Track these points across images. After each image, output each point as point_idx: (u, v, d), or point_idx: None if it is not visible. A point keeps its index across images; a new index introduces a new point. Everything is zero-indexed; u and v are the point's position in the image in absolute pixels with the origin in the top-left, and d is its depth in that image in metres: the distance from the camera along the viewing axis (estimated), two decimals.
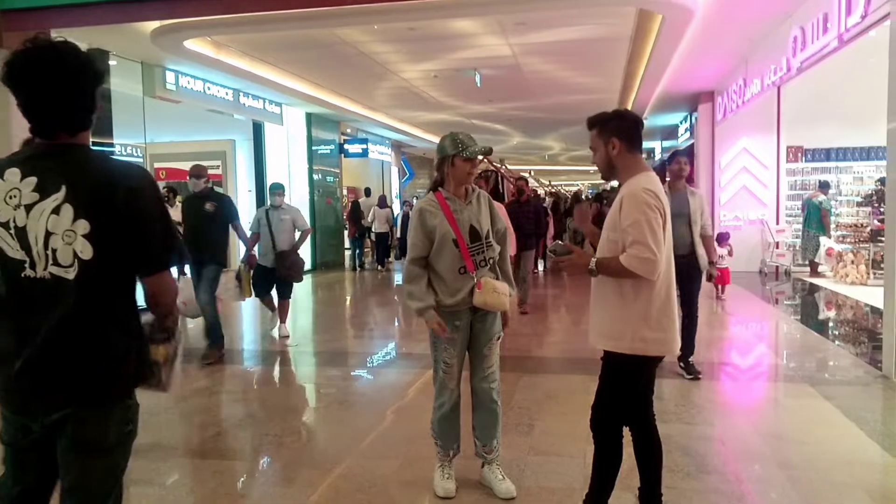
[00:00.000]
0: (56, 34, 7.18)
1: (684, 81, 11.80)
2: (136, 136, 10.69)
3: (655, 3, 7.45)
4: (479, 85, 11.22)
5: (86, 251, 1.73)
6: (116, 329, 1.82)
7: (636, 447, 2.96)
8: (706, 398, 5.04)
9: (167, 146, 14.92)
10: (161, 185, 13.01)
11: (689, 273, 5.28)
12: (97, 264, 1.74)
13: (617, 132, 2.77)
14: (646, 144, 24.23)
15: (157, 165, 15.18)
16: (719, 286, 9.28)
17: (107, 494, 1.86)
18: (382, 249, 15.60)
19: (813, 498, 3.28)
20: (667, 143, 21.75)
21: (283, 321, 7.58)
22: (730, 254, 9.45)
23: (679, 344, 2.82)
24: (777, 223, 12.80)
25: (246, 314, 9.50)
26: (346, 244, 16.68)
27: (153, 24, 7.99)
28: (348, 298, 11.93)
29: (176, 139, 14.87)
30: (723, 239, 9.27)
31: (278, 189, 7.59)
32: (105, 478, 1.86)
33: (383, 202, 15.76)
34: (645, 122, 14.47)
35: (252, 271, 7.09)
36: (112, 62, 9.30)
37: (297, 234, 7.56)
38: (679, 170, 5.50)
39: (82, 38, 8.51)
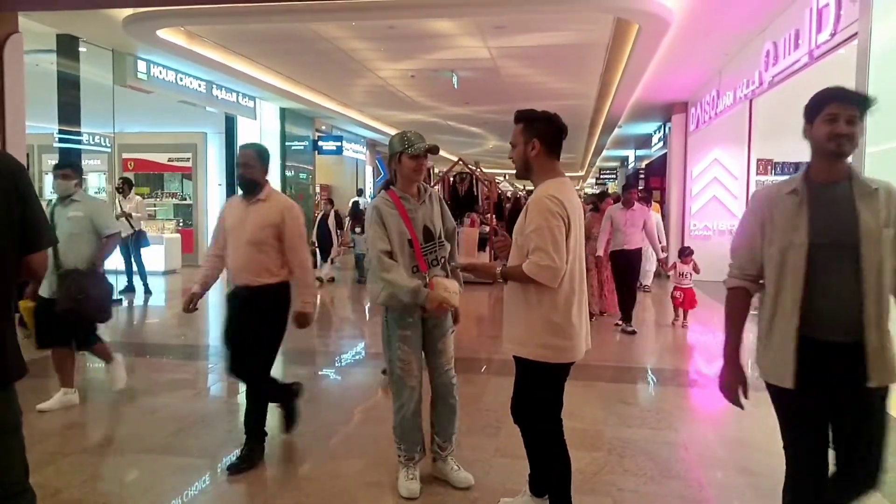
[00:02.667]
0: (25, 18, 7.05)
1: (659, 91, 11.94)
2: (105, 125, 10.47)
3: (632, 13, 7.52)
4: (456, 86, 11.23)
5: None
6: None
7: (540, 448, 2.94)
8: (671, 404, 5.09)
9: (136, 136, 14.65)
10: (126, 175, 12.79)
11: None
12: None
13: (540, 134, 2.76)
14: (620, 153, 24.55)
15: (124, 156, 14.91)
16: (681, 310, 7.99)
17: (26, 471, 2.02)
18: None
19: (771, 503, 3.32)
20: (640, 152, 22.00)
21: (108, 361, 5.09)
22: (695, 270, 7.91)
23: (583, 351, 2.80)
24: None
25: (213, 308, 9.35)
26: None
27: (126, 12, 7.84)
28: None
29: (146, 130, 14.62)
30: (685, 254, 8.05)
31: (63, 168, 4.91)
32: (22, 454, 2.01)
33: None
34: (619, 129, 14.60)
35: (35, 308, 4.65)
36: (82, 49, 9.11)
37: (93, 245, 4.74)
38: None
39: (53, 23, 8.33)
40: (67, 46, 8.96)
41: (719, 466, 3.85)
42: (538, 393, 2.80)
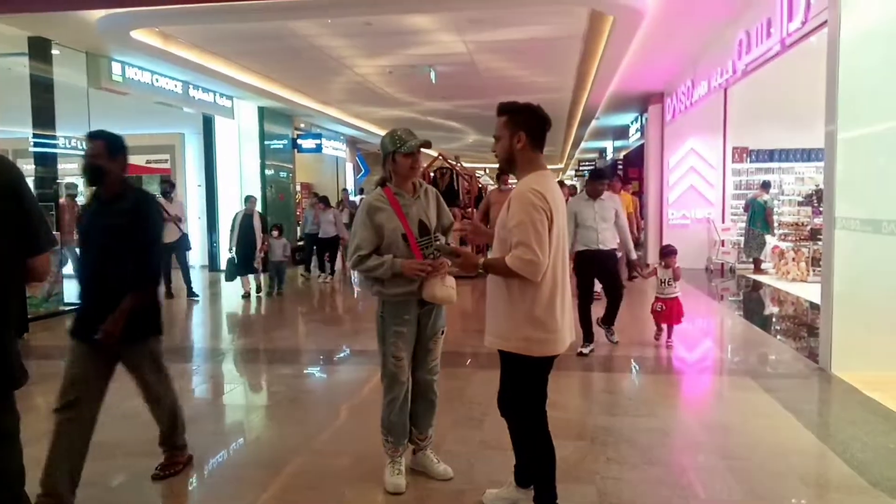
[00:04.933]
0: None
1: (635, 82, 12.04)
2: (81, 128, 10.34)
3: (606, 5, 7.58)
4: (434, 82, 11.23)
5: None
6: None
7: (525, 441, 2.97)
8: (652, 391, 5.17)
9: None
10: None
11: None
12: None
13: (525, 127, 2.76)
14: (598, 144, 24.69)
15: None
16: (664, 325, 6.52)
17: (22, 478, 2.11)
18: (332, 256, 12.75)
19: (751, 486, 3.39)
20: (618, 143, 22.15)
21: None
22: (675, 276, 6.41)
23: (567, 343, 2.83)
24: (723, 222, 13.18)
25: (196, 312, 9.32)
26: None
27: (99, 13, 7.76)
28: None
29: (123, 132, 14.40)
30: (666, 254, 6.54)
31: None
32: (20, 461, 2.09)
33: (327, 202, 13.02)
34: (597, 121, 14.68)
35: None
36: (55, 51, 8.99)
37: None
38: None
39: (25, 26, 8.22)
40: (40, 49, 8.84)
41: (700, 451, 3.92)
42: (522, 385, 2.84)
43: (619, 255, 6.89)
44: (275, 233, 10.53)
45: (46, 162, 9.30)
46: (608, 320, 6.52)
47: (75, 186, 10.99)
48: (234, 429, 4.54)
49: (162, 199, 10.01)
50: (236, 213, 10.37)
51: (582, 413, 4.60)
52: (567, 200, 6.24)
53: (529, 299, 2.69)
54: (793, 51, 6.75)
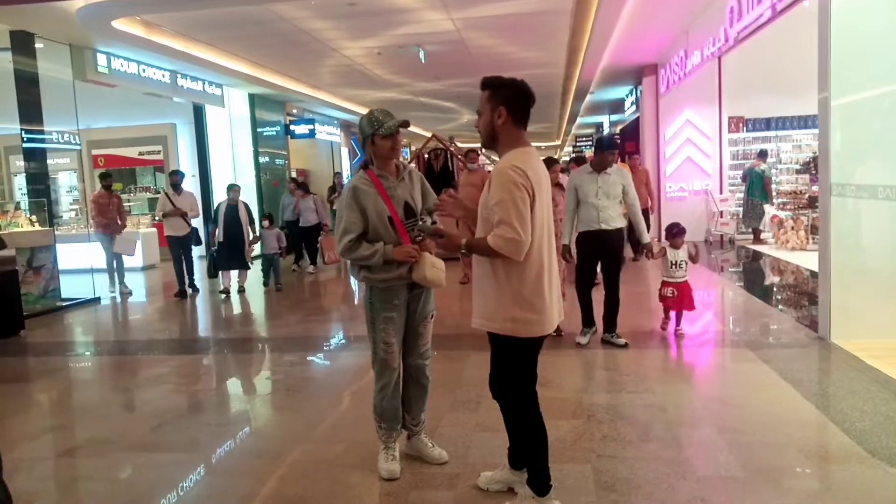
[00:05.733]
0: None
1: (627, 54, 11.89)
2: (69, 122, 10.24)
3: None
4: (423, 61, 11.10)
5: None
6: None
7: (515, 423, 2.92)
8: (650, 367, 5.13)
9: (105, 132, 14.40)
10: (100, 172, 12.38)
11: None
12: None
13: (507, 102, 2.68)
14: (594, 119, 24.51)
15: (94, 152, 14.66)
16: (672, 312, 5.96)
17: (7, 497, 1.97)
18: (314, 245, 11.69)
19: (750, 460, 3.36)
20: (615, 117, 21.97)
21: None
22: (691, 259, 5.89)
23: (554, 324, 2.77)
24: (721, 193, 13.09)
25: (193, 302, 9.29)
26: None
27: (78, 3, 7.63)
28: None
29: (114, 124, 14.36)
30: (674, 233, 5.89)
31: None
32: None
33: (306, 188, 12.27)
34: (592, 95, 14.50)
35: None
36: (38, 45, 8.87)
37: None
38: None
39: (5, 20, 8.09)
40: (23, 43, 8.73)
41: (698, 426, 3.89)
42: (511, 367, 2.80)
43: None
44: (265, 223, 9.94)
45: (36, 157, 9.23)
46: (610, 325, 5.67)
47: (110, 176, 10.35)
48: (229, 420, 4.51)
49: (170, 192, 9.52)
50: (219, 204, 9.53)
51: (578, 391, 4.56)
52: (554, 177, 5.82)
53: (515, 279, 2.63)
54: (787, 15, 6.62)
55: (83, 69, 9.61)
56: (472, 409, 4.26)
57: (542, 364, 2.91)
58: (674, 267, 5.83)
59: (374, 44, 10.61)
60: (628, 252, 8.43)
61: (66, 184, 15.52)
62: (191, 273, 9.76)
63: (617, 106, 19.66)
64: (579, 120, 23.88)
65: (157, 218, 9.84)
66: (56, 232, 9.75)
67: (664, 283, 5.93)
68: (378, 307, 3.25)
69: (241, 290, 9.63)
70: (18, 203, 10.22)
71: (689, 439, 3.68)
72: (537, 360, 2.84)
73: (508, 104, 2.67)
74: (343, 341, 6.76)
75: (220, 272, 9.46)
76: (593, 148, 5.68)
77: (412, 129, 23.13)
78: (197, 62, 10.68)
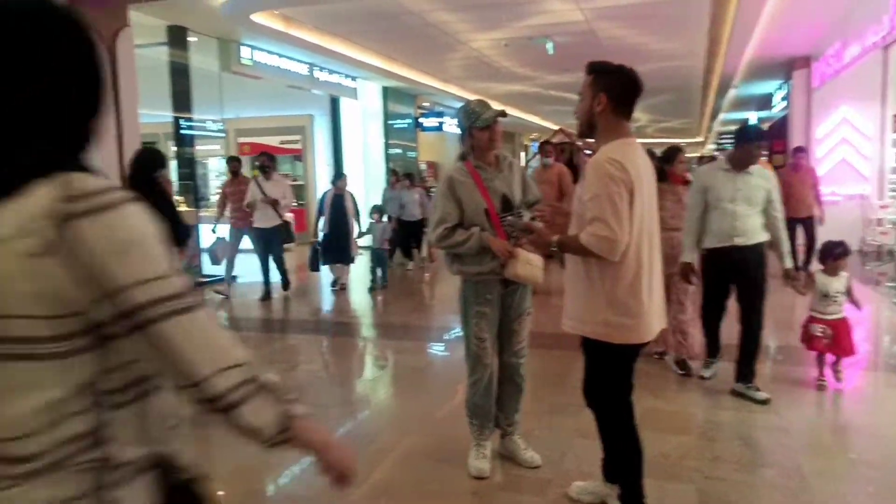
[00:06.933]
0: (135, 10, 7.45)
1: (776, 46, 10.98)
2: (215, 111, 11.01)
3: None
4: (551, 53, 10.84)
5: None
6: None
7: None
8: (777, 385, 4.64)
9: (250, 121, 15.35)
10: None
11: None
12: None
13: (609, 89, 2.49)
14: (738, 115, 22.98)
15: (240, 140, 15.67)
16: (824, 356, 4.48)
17: None
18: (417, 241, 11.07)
19: (883, 499, 2.96)
20: (762, 114, 20.47)
21: None
22: (849, 296, 4.41)
23: (654, 332, 2.53)
24: (880, 198, 11.80)
25: (313, 287, 9.65)
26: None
27: None
28: None
29: (259, 114, 15.27)
30: (834, 256, 4.42)
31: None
32: None
33: (412, 179, 11.41)
34: (736, 90, 13.50)
35: None
36: (191, 39, 9.60)
37: None
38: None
39: (161, 16, 8.80)
40: (177, 37, 9.48)
41: (824, 454, 3.49)
42: (604, 374, 2.63)
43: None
44: (375, 216, 9.07)
45: (186, 143, 10.04)
46: (746, 373, 4.30)
47: (237, 160, 8.98)
48: (328, 403, 4.61)
49: (260, 177, 8.33)
50: (324, 193, 8.74)
51: (690, 405, 4.24)
52: (682, 169, 5.00)
53: (609, 281, 2.44)
54: None
55: (229, 61, 10.27)
56: (572, 414, 4.07)
57: (650, 372, 2.72)
58: (827, 299, 4.37)
59: (501, 35, 10.49)
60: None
61: (216, 169, 16.72)
62: (282, 271, 8.42)
63: (764, 102, 18.29)
64: (722, 116, 22.49)
65: (245, 207, 8.14)
66: (200, 213, 10.44)
67: (812, 319, 4.45)
68: (471, 301, 3.17)
69: (342, 286, 9.00)
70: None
71: (812, 468, 3.30)
72: (633, 369, 2.64)
73: (610, 91, 2.48)
74: (447, 335, 6.75)
75: (325, 265, 8.71)
76: (734, 140, 4.39)
77: (541, 122, 22.86)
78: (333, 55, 11.08)
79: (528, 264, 3.04)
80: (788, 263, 4.28)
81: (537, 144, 7.70)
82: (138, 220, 0.98)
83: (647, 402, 4.03)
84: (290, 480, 3.39)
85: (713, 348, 4.62)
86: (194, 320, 0.99)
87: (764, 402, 4.17)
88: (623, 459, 2.66)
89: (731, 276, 4.29)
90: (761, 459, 3.41)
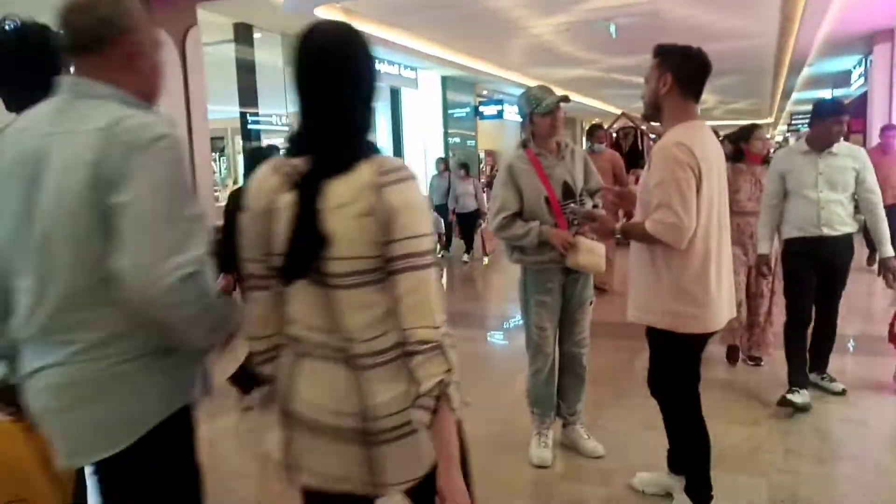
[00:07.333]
0: (202, 9, 7.69)
1: (854, 19, 10.40)
2: (280, 105, 11.25)
3: None
4: (614, 36, 10.61)
5: None
6: None
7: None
8: (858, 375, 4.41)
9: None
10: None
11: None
12: None
13: (675, 69, 2.40)
14: (812, 93, 21.94)
15: None
16: None
17: None
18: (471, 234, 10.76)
19: None
20: (838, 92, 19.47)
21: None
22: None
23: (723, 320, 2.46)
24: None
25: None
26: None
27: None
28: None
29: None
30: None
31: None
32: None
33: (467, 169, 10.95)
34: (810, 68, 12.82)
35: None
36: (256, 35, 9.84)
37: None
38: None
39: (228, 13, 9.05)
40: (244, 34, 9.73)
41: None
42: (669, 364, 2.58)
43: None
44: (461, 171, 10.43)
45: (252, 137, 10.34)
46: (820, 362, 4.10)
47: None
48: None
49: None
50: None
51: (760, 395, 4.10)
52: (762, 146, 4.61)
53: (676, 269, 2.38)
54: None
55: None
56: (638, 405, 3.98)
57: (719, 361, 2.64)
58: None
59: (562, 20, 10.34)
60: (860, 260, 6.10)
61: None
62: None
63: (842, 79, 17.39)
64: (795, 95, 21.51)
65: None
66: None
67: None
68: (531, 290, 3.15)
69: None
70: (236, 179, 11.41)
71: (892, 463, 3.16)
72: (700, 359, 2.58)
73: (677, 71, 2.41)
74: (506, 324, 6.74)
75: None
76: (810, 118, 3.89)
77: (603, 106, 22.40)
78: (393, 46, 11.16)
79: (591, 253, 3.00)
80: (888, 252, 3.75)
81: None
82: (418, 191, 1.34)
83: (715, 392, 3.93)
84: None
85: (798, 374, 3.85)
86: (426, 277, 1.30)
87: (840, 393, 3.98)
88: (689, 451, 2.61)
89: (813, 270, 3.83)
90: (837, 453, 3.29)
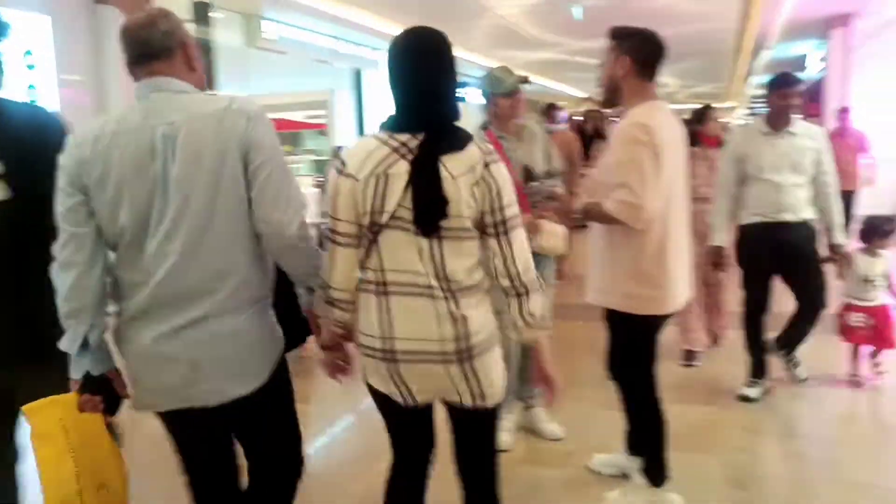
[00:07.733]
0: None
1: (813, 1, 10.56)
2: (241, 87, 11.01)
3: None
4: (579, 18, 10.60)
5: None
6: None
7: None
8: (809, 354, 4.51)
9: (274, 97, 15.28)
10: None
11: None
12: None
13: (632, 51, 2.40)
14: (770, 78, 22.32)
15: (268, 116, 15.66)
16: (856, 347, 3.99)
17: None
18: None
19: None
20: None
21: None
22: (888, 280, 3.92)
23: (679, 302, 2.46)
24: None
25: None
26: None
27: None
28: None
29: (281, 90, 15.21)
30: (880, 234, 3.92)
31: None
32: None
33: None
34: (768, 51, 12.98)
35: None
36: (216, 14, 9.56)
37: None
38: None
39: None
40: (201, 13, 9.44)
41: (858, 423, 3.41)
42: (627, 346, 2.59)
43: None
44: None
45: None
46: (789, 340, 3.86)
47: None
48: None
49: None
50: None
51: (719, 375, 4.16)
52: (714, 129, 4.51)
53: (635, 249, 2.38)
54: None
55: (253, 36, 10.23)
56: (598, 385, 3.98)
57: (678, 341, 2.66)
58: (866, 284, 3.85)
59: (527, 1, 10.29)
60: None
61: None
62: None
63: (799, 64, 17.72)
64: (754, 80, 21.87)
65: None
66: None
67: (849, 308, 3.94)
68: None
69: None
70: None
71: (843, 437, 3.25)
72: (657, 340, 2.59)
73: (634, 53, 2.40)
74: None
75: None
76: (766, 92, 3.74)
77: (570, 90, 22.46)
78: (355, 27, 11.01)
79: (552, 235, 2.98)
80: (839, 238, 3.61)
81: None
82: (505, 168, 1.71)
83: (673, 371, 3.98)
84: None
85: (757, 368, 3.78)
86: (523, 233, 1.72)
87: (803, 380, 3.91)
88: (646, 432, 2.63)
89: (772, 259, 3.60)
90: (791, 430, 3.38)
